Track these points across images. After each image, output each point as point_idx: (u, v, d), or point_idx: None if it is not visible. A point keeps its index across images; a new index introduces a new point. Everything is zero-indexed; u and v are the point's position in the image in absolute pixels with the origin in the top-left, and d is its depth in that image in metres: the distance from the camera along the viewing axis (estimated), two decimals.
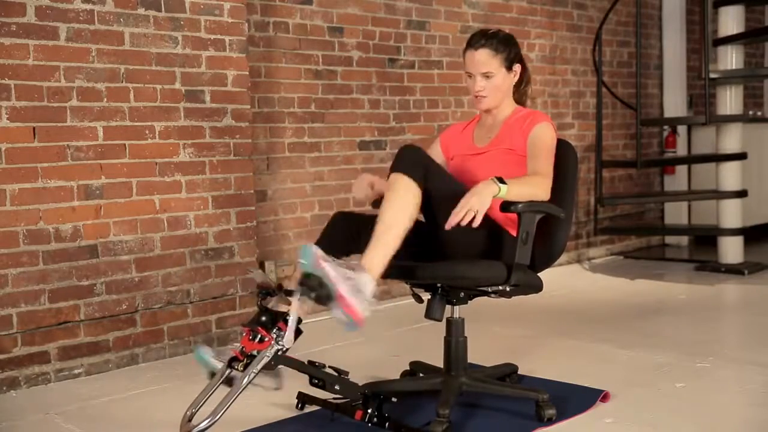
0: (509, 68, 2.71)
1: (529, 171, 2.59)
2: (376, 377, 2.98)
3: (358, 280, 2.26)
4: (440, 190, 2.45)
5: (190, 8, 3.54)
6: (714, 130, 5.43)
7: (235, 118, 3.70)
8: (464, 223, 2.33)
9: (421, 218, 2.55)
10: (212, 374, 2.44)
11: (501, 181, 2.39)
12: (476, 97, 2.72)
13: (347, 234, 2.58)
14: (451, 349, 2.67)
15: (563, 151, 2.69)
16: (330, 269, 2.23)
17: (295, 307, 2.36)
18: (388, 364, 3.23)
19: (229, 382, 2.38)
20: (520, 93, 2.83)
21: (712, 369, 3.11)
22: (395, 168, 2.44)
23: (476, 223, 2.34)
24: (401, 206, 2.39)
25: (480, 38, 2.69)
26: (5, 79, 3.05)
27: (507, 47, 2.69)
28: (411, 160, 2.45)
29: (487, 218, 2.51)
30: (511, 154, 2.66)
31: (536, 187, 2.49)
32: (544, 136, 2.62)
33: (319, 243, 2.54)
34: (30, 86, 3.11)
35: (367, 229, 2.45)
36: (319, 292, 2.24)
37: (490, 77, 2.68)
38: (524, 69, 2.80)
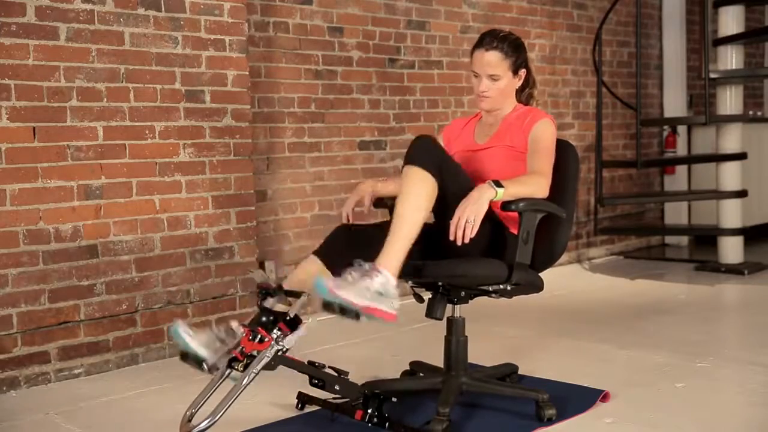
0: (515, 72, 2.72)
1: (528, 169, 2.60)
2: (376, 377, 2.98)
3: (377, 285, 2.28)
4: (452, 186, 2.45)
5: (190, 8, 3.54)
6: (714, 130, 5.43)
7: (235, 118, 3.70)
8: (459, 234, 2.35)
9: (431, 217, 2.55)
10: (185, 354, 2.41)
11: (498, 184, 2.39)
12: (479, 96, 2.72)
13: (348, 246, 2.58)
14: (451, 348, 2.67)
15: (564, 152, 2.69)
16: (346, 294, 2.24)
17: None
18: (388, 364, 3.23)
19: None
20: (525, 96, 2.84)
21: (712, 369, 3.11)
22: (410, 160, 2.43)
23: (473, 233, 2.35)
24: (416, 199, 2.38)
25: (492, 40, 2.69)
26: (5, 79, 3.05)
27: (516, 52, 2.70)
28: (425, 152, 2.44)
29: (490, 217, 2.51)
30: (511, 151, 2.67)
31: (534, 186, 2.50)
32: (544, 134, 2.63)
33: (318, 251, 2.59)
34: (30, 86, 3.11)
35: (368, 241, 2.49)
36: (344, 315, 2.27)
37: (497, 80, 2.69)
38: (529, 73, 2.80)
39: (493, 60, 2.67)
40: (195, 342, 2.40)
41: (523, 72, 2.75)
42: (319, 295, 2.28)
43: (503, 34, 2.72)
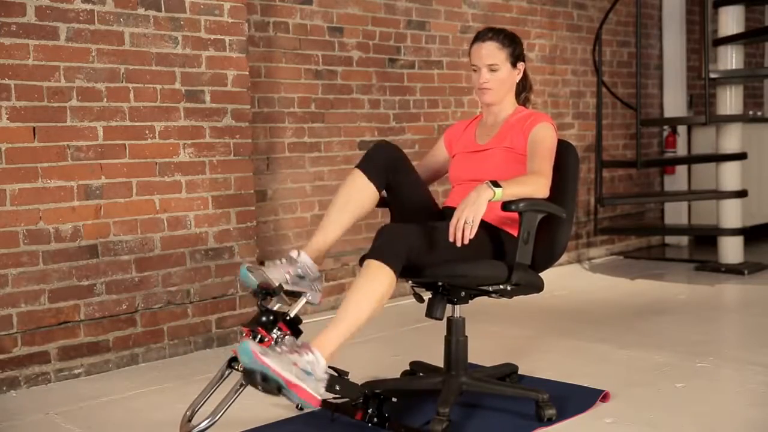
0: (514, 64, 2.74)
1: (528, 170, 2.59)
2: (376, 377, 2.98)
3: (306, 363, 2.18)
4: (431, 257, 2.44)
5: (190, 8, 3.54)
6: (714, 130, 5.44)
7: (235, 118, 3.70)
8: (459, 236, 2.32)
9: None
10: (252, 291, 2.50)
11: (495, 184, 2.39)
12: (480, 89, 2.73)
13: (387, 162, 2.61)
14: (451, 348, 2.67)
15: (564, 152, 2.70)
16: (271, 362, 2.13)
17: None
18: (388, 364, 3.23)
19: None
20: (521, 99, 2.85)
21: (712, 369, 3.11)
22: (372, 253, 2.36)
23: (472, 234, 2.33)
24: (366, 299, 2.31)
25: (487, 32, 2.74)
26: (5, 79, 3.05)
27: (513, 44, 2.74)
28: (390, 244, 2.35)
29: (486, 223, 2.50)
30: (511, 153, 2.67)
31: (533, 186, 2.49)
32: (544, 136, 2.63)
33: (360, 164, 2.60)
34: (30, 86, 3.11)
35: (404, 165, 2.62)
36: (264, 386, 2.16)
37: (496, 70, 2.71)
38: (526, 74, 2.82)
39: (490, 50, 2.70)
40: (269, 275, 2.46)
41: (521, 65, 2.77)
42: (241, 360, 2.16)
43: (499, 28, 2.78)
